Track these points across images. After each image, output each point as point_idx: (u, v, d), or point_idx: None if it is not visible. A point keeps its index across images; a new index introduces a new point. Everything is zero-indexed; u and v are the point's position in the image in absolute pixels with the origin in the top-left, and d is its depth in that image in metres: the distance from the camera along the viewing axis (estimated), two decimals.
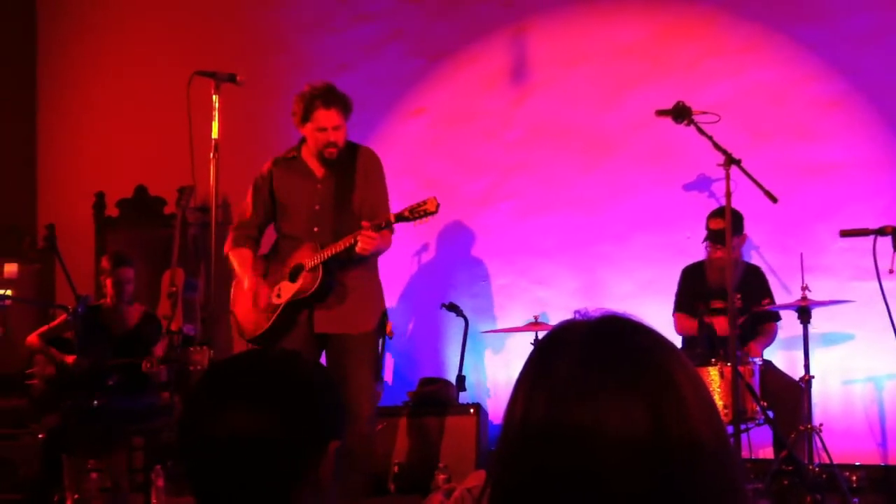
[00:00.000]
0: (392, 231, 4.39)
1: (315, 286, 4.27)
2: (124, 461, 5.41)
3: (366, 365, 4.39)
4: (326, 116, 4.39)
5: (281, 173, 4.52)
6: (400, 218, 4.10)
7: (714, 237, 5.13)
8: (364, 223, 4.19)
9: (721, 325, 4.89)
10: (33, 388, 5.59)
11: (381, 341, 5.67)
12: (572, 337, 1.03)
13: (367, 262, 4.43)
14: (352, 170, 4.48)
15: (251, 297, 4.42)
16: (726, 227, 4.52)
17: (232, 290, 4.61)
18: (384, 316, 4.57)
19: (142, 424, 5.49)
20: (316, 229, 4.42)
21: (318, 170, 4.50)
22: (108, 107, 7.50)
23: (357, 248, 4.17)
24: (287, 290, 4.35)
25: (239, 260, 4.54)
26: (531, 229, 6.27)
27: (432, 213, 4.02)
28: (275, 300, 4.38)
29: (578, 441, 0.96)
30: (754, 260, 5.61)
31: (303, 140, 4.53)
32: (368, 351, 4.37)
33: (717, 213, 5.12)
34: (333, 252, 4.25)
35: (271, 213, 4.58)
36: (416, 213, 4.03)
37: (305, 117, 4.39)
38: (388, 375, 6.24)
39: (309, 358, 1.59)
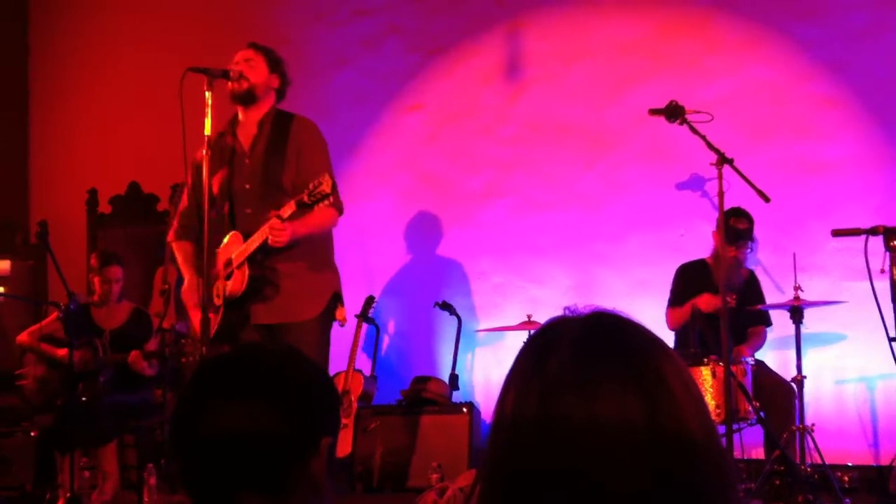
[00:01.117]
0: (334, 206, 3.96)
1: (243, 287, 4.00)
2: (115, 452, 5.41)
3: (309, 354, 4.13)
4: (238, 54, 4.17)
5: (212, 153, 4.09)
6: (301, 204, 3.73)
7: (737, 236, 5.09)
8: (271, 213, 3.85)
9: (706, 301, 4.91)
10: (24, 388, 5.58)
11: (364, 328, 5.56)
12: (564, 333, 1.02)
13: (306, 247, 4.05)
14: (282, 142, 4.12)
15: (195, 298, 4.15)
16: (718, 226, 4.53)
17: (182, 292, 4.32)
18: (333, 300, 4.17)
19: (133, 421, 5.49)
20: (248, 210, 4.12)
21: (246, 143, 4.18)
22: (101, 103, 7.48)
23: (270, 243, 3.85)
24: (224, 290, 4.10)
25: (181, 256, 4.29)
26: (527, 227, 6.27)
27: (328, 195, 3.66)
28: (216, 301, 4.13)
29: (570, 437, 0.96)
30: (750, 264, 5.61)
31: (233, 116, 4.27)
32: (311, 339, 4.00)
33: (741, 213, 5.11)
34: (253, 248, 3.95)
35: (210, 197, 4.13)
36: (314, 196, 3.68)
37: (229, 74, 4.13)
38: (372, 369, 6.24)
39: None
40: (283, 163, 4.10)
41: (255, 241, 3.95)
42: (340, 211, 4.12)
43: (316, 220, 3.99)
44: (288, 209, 3.81)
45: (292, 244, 3.93)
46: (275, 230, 3.82)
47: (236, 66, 4.14)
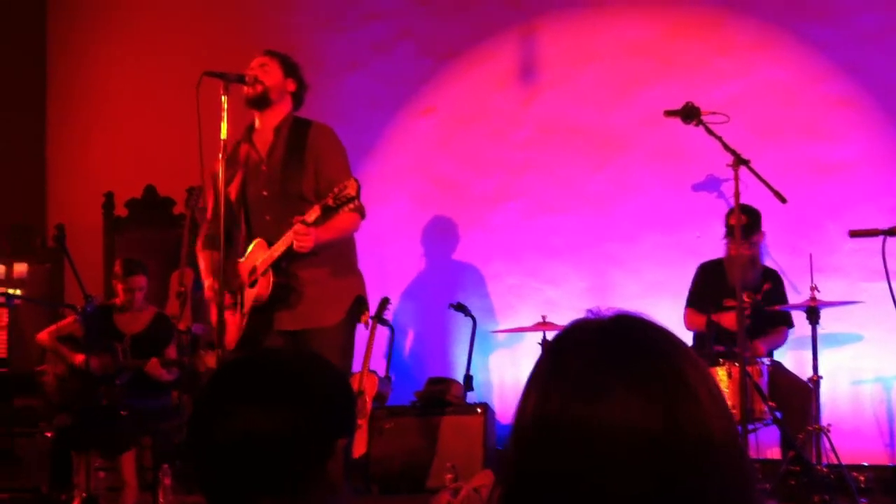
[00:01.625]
0: (357, 211, 3.97)
1: (268, 293, 4.00)
2: (134, 460, 5.43)
3: (332, 359, 4.11)
4: (252, 62, 4.18)
5: (228, 161, 4.09)
6: (326, 208, 3.73)
7: (732, 232, 5.09)
8: (295, 219, 3.85)
9: (729, 319, 4.89)
10: (46, 385, 5.61)
11: (375, 331, 5.58)
12: (587, 334, 1.03)
13: (329, 252, 4.04)
14: (300, 149, 4.11)
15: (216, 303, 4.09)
16: (736, 228, 4.52)
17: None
18: (356, 304, 4.16)
19: (151, 425, 5.51)
20: (268, 217, 4.12)
21: (262, 150, 4.18)
22: (117, 107, 7.52)
23: (294, 248, 3.85)
24: (248, 298, 4.11)
25: (203, 265, 4.29)
26: (540, 229, 6.27)
27: (354, 198, 3.67)
28: (242, 309, 4.14)
29: (591, 438, 0.96)
30: (764, 260, 5.60)
31: (250, 124, 4.27)
32: (334, 345, 4.01)
33: (740, 209, 5.09)
34: (278, 254, 3.96)
35: (229, 206, 4.16)
36: (338, 199, 3.68)
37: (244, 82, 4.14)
38: (387, 370, 6.25)
39: None
40: (301, 169, 4.08)
41: (279, 248, 3.94)
42: (363, 215, 4.12)
43: (339, 225, 3.99)
44: (313, 214, 3.80)
45: (316, 250, 3.92)
46: (300, 235, 3.82)
47: (251, 71, 4.14)
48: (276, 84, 4.17)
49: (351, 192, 3.66)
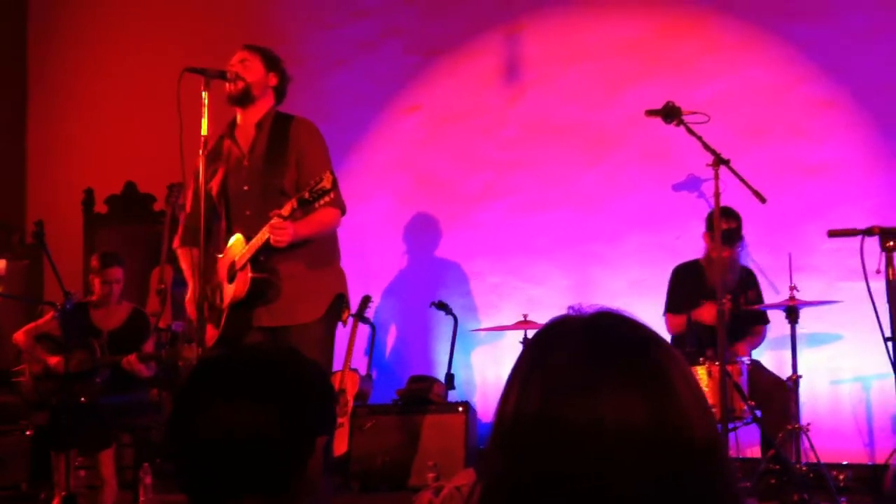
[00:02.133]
0: (336, 205, 3.95)
1: (245, 289, 3.96)
2: (113, 458, 5.40)
3: (311, 356, 4.05)
4: (234, 56, 4.15)
5: (211, 155, 4.12)
6: (302, 201, 3.70)
7: (726, 237, 5.10)
8: (272, 212, 3.83)
9: (708, 313, 4.91)
10: (22, 385, 5.57)
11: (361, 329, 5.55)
12: (569, 330, 1.03)
13: (308, 247, 4.02)
14: (283, 144, 4.08)
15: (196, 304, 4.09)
16: (715, 228, 4.54)
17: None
18: (337, 302, 4.13)
19: (130, 422, 5.48)
20: (248, 213, 4.08)
21: (244, 145, 4.15)
22: (97, 103, 7.48)
23: (271, 242, 3.81)
24: (227, 294, 4.08)
25: (185, 264, 4.26)
26: (524, 227, 6.28)
27: (329, 191, 3.63)
28: (217, 304, 4.11)
29: (574, 435, 0.96)
30: (743, 260, 5.62)
31: (232, 120, 4.25)
32: (313, 341, 3.96)
33: (727, 214, 5.11)
34: (255, 249, 3.92)
35: (211, 203, 4.18)
36: (314, 193, 3.65)
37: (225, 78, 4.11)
38: (368, 368, 6.24)
39: None
40: (283, 164, 4.07)
41: (256, 242, 3.92)
42: (343, 210, 4.10)
43: (319, 219, 3.98)
44: (289, 206, 3.78)
45: (295, 244, 3.90)
46: (276, 229, 3.80)
47: (232, 67, 4.12)
48: (258, 80, 4.15)
49: (326, 184, 3.64)
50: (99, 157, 7.34)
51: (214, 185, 4.17)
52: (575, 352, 1.00)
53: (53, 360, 5.41)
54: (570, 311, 1.05)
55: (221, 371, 1.47)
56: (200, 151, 3.99)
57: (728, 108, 5.61)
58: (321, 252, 4.14)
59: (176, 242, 4.37)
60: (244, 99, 4.14)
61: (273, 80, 4.20)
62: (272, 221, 3.82)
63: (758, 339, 5.33)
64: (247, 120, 4.19)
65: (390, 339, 6.59)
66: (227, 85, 4.11)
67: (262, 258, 3.97)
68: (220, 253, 4.17)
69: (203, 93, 3.95)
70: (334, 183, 3.67)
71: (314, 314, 4.08)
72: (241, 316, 4.09)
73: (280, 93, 4.25)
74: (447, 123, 6.55)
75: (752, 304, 5.10)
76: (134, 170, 7.03)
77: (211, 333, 4.12)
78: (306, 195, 3.69)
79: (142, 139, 7.02)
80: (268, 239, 3.84)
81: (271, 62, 4.21)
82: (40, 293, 6.96)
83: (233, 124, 4.24)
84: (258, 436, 1.38)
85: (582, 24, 6.26)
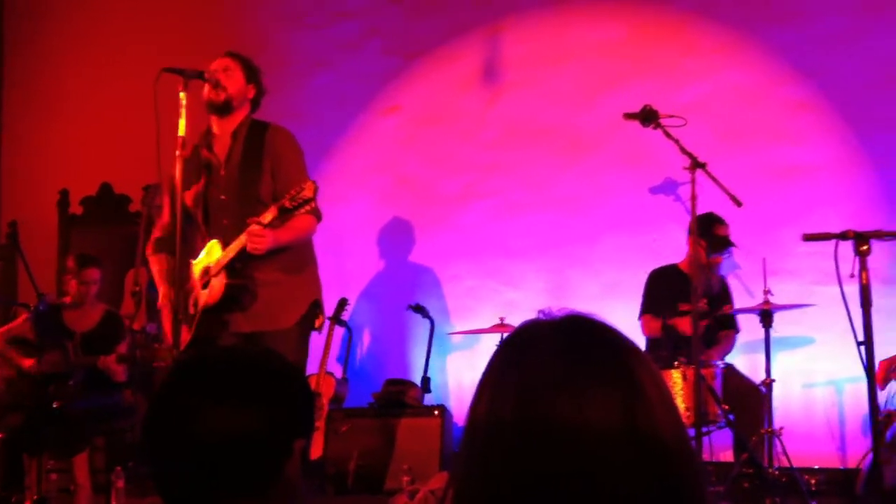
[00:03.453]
0: (313, 213, 3.98)
1: (219, 295, 3.98)
2: (86, 462, 5.36)
3: None
4: (215, 63, 4.17)
5: (187, 165, 4.09)
6: (283, 210, 3.73)
7: (724, 244, 5.15)
8: (251, 219, 3.85)
9: (686, 324, 4.94)
10: None
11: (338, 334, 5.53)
12: (538, 335, 1.03)
13: (284, 254, 4.04)
14: (258, 152, 4.10)
15: (169, 309, 4.11)
16: (692, 231, 4.56)
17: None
18: (313, 308, 4.15)
19: (104, 425, 5.44)
20: (225, 222, 4.08)
21: (221, 154, 4.16)
22: (73, 102, 7.42)
23: (248, 250, 3.85)
24: (200, 299, 4.09)
25: (156, 269, 4.28)
26: (500, 230, 6.29)
27: (310, 199, 3.66)
28: (191, 309, 4.12)
29: (546, 438, 0.96)
30: (730, 268, 5.65)
31: (207, 128, 4.25)
32: (288, 348, 3.95)
33: (722, 221, 5.17)
34: (231, 256, 3.95)
35: (185, 209, 4.17)
36: (295, 201, 3.67)
37: (204, 79, 4.11)
38: (344, 372, 6.23)
39: None
40: (259, 172, 4.08)
41: (233, 250, 3.94)
42: (319, 218, 4.13)
43: (297, 226, 4.00)
44: (269, 215, 3.80)
45: (272, 251, 3.92)
46: (254, 236, 3.82)
47: (213, 74, 4.12)
48: (238, 92, 4.18)
49: (308, 193, 3.67)
50: (74, 158, 7.29)
51: (190, 194, 4.17)
52: (549, 352, 1.00)
53: (27, 363, 5.37)
54: (541, 315, 1.05)
55: (199, 373, 1.46)
56: (177, 152, 3.98)
57: (706, 111, 5.65)
58: (297, 258, 4.15)
59: (149, 249, 4.37)
60: (224, 109, 4.16)
61: (251, 91, 4.24)
62: (250, 228, 3.83)
63: (728, 344, 5.36)
64: (223, 129, 4.20)
65: (366, 341, 6.58)
66: (207, 91, 4.12)
67: (238, 265, 3.98)
68: (195, 259, 4.17)
69: (181, 93, 3.94)
70: (315, 192, 3.69)
71: (289, 321, 4.10)
72: (214, 320, 4.09)
73: (255, 103, 4.27)
74: (427, 125, 6.55)
75: (722, 313, 5.14)
76: (110, 171, 6.98)
77: (184, 337, 4.10)
78: (287, 203, 3.71)
79: (118, 140, 6.97)
80: (245, 247, 3.86)
81: (251, 73, 4.24)
82: (14, 295, 6.89)
83: (208, 133, 4.25)
84: (236, 437, 1.38)
85: (561, 27, 6.28)
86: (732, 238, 5.33)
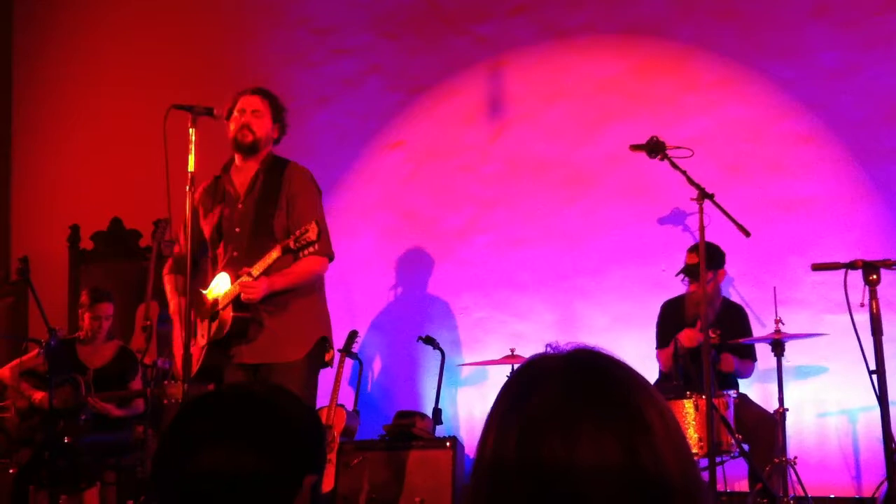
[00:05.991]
0: (322, 254, 4.04)
1: (225, 329, 4.03)
2: (97, 497, 5.35)
3: None
4: (247, 100, 4.24)
5: (206, 196, 4.27)
6: (287, 250, 3.81)
7: (689, 272, 5.17)
8: (243, 271, 3.94)
9: (686, 336, 4.92)
10: (7, 422, 5.53)
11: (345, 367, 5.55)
12: (545, 371, 1.03)
13: (293, 289, 4.11)
14: (276, 188, 4.19)
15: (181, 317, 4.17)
16: (700, 261, 4.55)
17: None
18: (321, 343, 4.19)
19: (115, 460, 5.44)
20: (235, 254, 4.15)
21: (241, 188, 4.26)
22: (83, 139, 7.48)
23: (242, 299, 3.94)
24: (209, 331, 4.14)
25: (170, 287, 4.34)
26: (508, 263, 6.29)
27: (313, 242, 3.72)
28: (200, 340, 4.16)
29: (549, 477, 0.96)
30: (728, 293, 5.64)
31: (230, 160, 4.35)
32: (295, 381, 3.97)
33: (694, 248, 5.14)
34: (226, 303, 4.02)
35: (201, 239, 4.30)
36: (299, 242, 3.75)
37: (231, 110, 4.22)
38: (355, 404, 6.21)
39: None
40: (274, 208, 4.15)
41: (231, 294, 4.01)
42: (331, 257, 4.21)
43: (299, 270, 4.08)
44: (262, 264, 3.89)
45: (271, 296, 3.99)
46: (245, 288, 3.91)
47: (242, 115, 4.21)
48: (266, 135, 4.28)
49: (311, 236, 3.73)
50: (85, 193, 7.33)
51: (209, 224, 4.25)
52: (552, 394, 1.00)
53: (38, 396, 5.38)
54: (548, 349, 1.05)
55: (207, 410, 1.47)
56: (187, 188, 4.02)
57: (709, 145, 5.66)
58: (306, 294, 4.19)
59: (165, 270, 4.43)
60: (250, 151, 4.26)
61: (276, 132, 4.33)
62: (241, 280, 3.88)
63: (747, 366, 5.29)
64: (245, 164, 4.29)
65: (377, 373, 6.57)
66: (234, 130, 4.21)
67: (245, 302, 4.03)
68: (205, 289, 4.20)
69: (190, 129, 3.98)
70: (319, 234, 3.75)
71: (297, 354, 4.12)
72: (222, 352, 4.12)
73: (277, 142, 4.37)
74: (430, 160, 6.58)
75: (724, 337, 5.10)
76: (120, 206, 7.02)
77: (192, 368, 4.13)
78: (291, 244, 3.79)
79: (128, 175, 7.02)
80: (239, 294, 3.93)
81: (278, 114, 4.33)
82: (25, 330, 6.91)
83: (229, 165, 4.33)
84: (243, 475, 1.38)
85: (563, 62, 6.31)
86: (741, 268, 5.32)
